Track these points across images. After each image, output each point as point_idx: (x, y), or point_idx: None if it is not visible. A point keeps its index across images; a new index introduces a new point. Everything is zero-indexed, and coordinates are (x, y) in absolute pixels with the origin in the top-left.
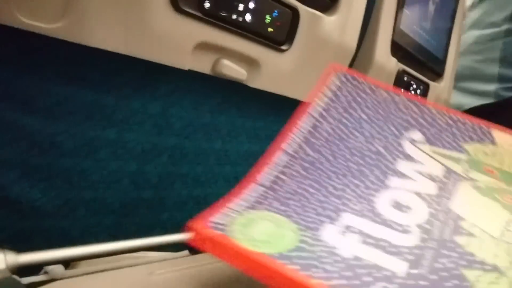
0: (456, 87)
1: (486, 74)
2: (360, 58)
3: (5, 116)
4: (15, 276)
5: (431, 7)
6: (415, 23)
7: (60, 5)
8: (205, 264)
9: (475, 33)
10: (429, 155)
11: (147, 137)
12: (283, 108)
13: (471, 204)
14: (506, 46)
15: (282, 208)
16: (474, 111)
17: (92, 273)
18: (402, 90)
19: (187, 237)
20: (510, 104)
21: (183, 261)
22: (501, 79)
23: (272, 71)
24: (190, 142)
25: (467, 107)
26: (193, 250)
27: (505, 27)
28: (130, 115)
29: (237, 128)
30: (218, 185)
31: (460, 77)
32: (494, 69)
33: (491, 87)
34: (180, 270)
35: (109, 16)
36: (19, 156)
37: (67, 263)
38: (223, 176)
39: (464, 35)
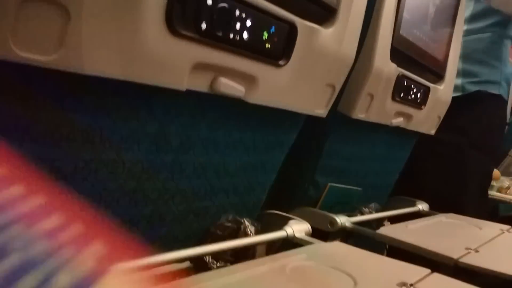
0: None
1: None
2: (359, 64)
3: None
4: None
5: (431, 10)
6: (415, 27)
7: (56, 36)
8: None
9: None
10: None
11: (145, 155)
12: (280, 119)
13: None
14: (466, 44)
15: None
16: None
17: None
18: (402, 94)
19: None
20: (477, 98)
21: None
22: (465, 74)
23: (270, 86)
24: (188, 157)
25: None
26: (195, 261)
27: (464, 27)
28: (128, 135)
29: (235, 141)
30: (217, 197)
31: None
32: (459, 65)
33: (458, 81)
34: None
35: (105, 43)
36: None
37: None
38: (222, 188)
39: None
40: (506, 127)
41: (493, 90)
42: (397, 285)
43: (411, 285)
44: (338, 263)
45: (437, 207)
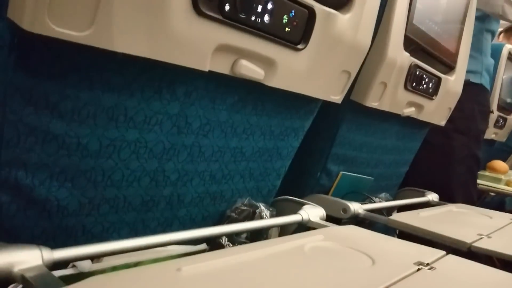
0: None
1: None
2: (372, 53)
3: (33, 121)
4: (51, 273)
5: (444, 1)
6: (428, 17)
7: (90, 13)
8: (229, 258)
9: None
10: None
11: (167, 136)
12: (296, 105)
13: None
14: None
15: None
16: None
17: (117, 267)
18: (414, 84)
19: (207, 233)
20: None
21: (207, 256)
22: None
23: (289, 70)
24: (207, 140)
25: None
26: (212, 243)
27: None
28: (151, 116)
29: (252, 126)
30: (234, 181)
31: None
32: None
33: None
34: (206, 265)
35: (134, 22)
36: (47, 158)
37: (93, 257)
38: (238, 173)
39: None
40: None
41: (474, 79)
42: (414, 264)
43: (428, 264)
44: (355, 244)
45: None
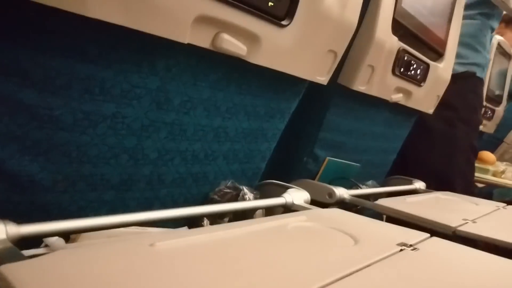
0: None
1: None
2: (360, 35)
3: (2, 88)
4: (15, 247)
5: None
6: (417, 2)
7: None
8: (207, 235)
9: None
10: None
11: (146, 112)
12: (281, 86)
13: None
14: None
15: None
16: None
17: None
18: (402, 69)
19: (187, 213)
20: (463, 77)
21: (183, 233)
22: (456, 55)
23: (273, 46)
24: (189, 118)
25: None
26: (193, 226)
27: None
28: (128, 90)
29: (236, 105)
30: (217, 162)
31: None
32: None
33: None
34: (181, 241)
35: None
36: (17, 130)
37: (67, 237)
38: (222, 154)
39: None
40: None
41: (477, 72)
42: (398, 244)
43: (411, 245)
44: (338, 225)
45: (428, 180)
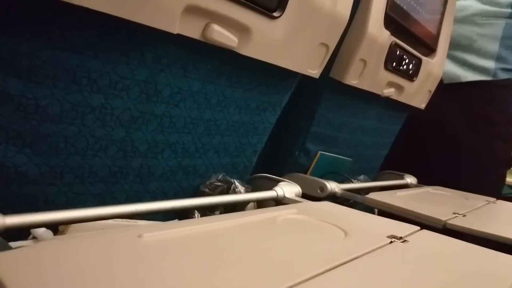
0: (450, 56)
1: (486, 50)
2: (352, 29)
3: None
4: (1, 238)
5: None
6: None
7: None
8: (196, 227)
9: (478, 6)
10: None
11: (135, 104)
12: (273, 79)
13: None
14: (507, 27)
15: None
16: (472, 85)
17: (78, 235)
18: (395, 64)
19: (178, 205)
20: (505, 86)
21: (171, 224)
22: (500, 58)
23: (264, 38)
24: (179, 111)
25: (463, 79)
26: (184, 219)
27: (508, 10)
28: (117, 80)
29: (227, 98)
30: (208, 155)
31: (456, 46)
32: (495, 46)
33: (491, 64)
34: (170, 232)
35: None
36: (2, 120)
37: (56, 230)
38: (213, 147)
39: (464, 3)
40: None
41: None
42: (387, 237)
43: (401, 238)
44: (328, 218)
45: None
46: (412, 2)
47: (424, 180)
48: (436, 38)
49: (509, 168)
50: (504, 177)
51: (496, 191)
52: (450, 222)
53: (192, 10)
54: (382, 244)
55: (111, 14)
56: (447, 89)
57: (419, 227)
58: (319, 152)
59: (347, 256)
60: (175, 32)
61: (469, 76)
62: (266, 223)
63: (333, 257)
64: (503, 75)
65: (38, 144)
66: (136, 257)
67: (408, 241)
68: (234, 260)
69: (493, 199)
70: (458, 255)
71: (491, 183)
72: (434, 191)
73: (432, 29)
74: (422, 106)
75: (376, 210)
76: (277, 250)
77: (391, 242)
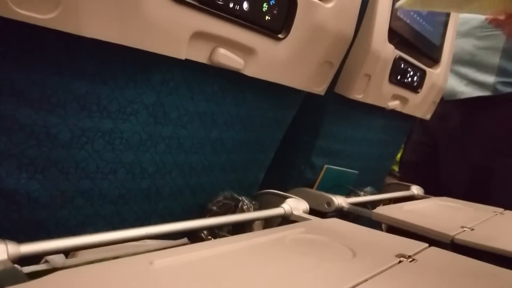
0: (452, 71)
1: (486, 64)
2: (357, 45)
3: None
4: (17, 266)
5: None
6: (413, 9)
7: None
8: (205, 251)
9: (481, 17)
10: None
11: (143, 127)
12: (277, 97)
13: None
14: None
15: None
16: (470, 102)
17: (93, 262)
18: (399, 77)
19: (187, 226)
20: (507, 100)
21: (182, 249)
22: (500, 71)
23: (269, 59)
24: (186, 132)
25: (461, 96)
26: (193, 238)
27: None
28: (125, 105)
29: (233, 117)
30: (215, 173)
31: (458, 61)
32: (495, 59)
33: (490, 79)
34: (180, 258)
35: (103, 5)
36: (15, 148)
37: (67, 252)
38: (219, 165)
39: (467, 16)
40: None
41: None
42: (396, 256)
43: (410, 256)
44: (336, 237)
45: None
46: (415, 15)
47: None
48: (439, 49)
49: None
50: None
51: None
52: (458, 237)
53: (199, 36)
54: (391, 264)
55: (122, 44)
56: (450, 102)
57: (427, 244)
58: (325, 165)
59: (356, 279)
60: (183, 58)
61: (467, 92)
62: (274, 244)
63: (343, 280)
64: (504, 89)
65: (49, 170)
66: (148, 285)
67: (416, 260)
68: (243, 284)
69: (500, 210)
70: (467, 274)
71: (497, 200)
72: (441, 202)
73: (435, 40)
74: (428, 117)
75: (383, 224)
76: (286, 274)
77: (399, 262)
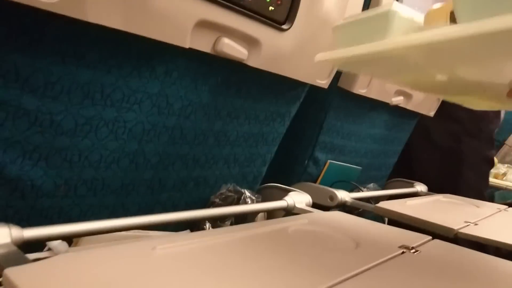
0: None
1: None
2: None
3: (3, 94)
4: (20, 251)
5: None
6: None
7: None
8: (208, 239)
9: None
10: None
11: (146, 116)
12: (281, 90)
13: None
14: None
15: None
16: None
17: (94, 248)
18: None
19: (189, 216)
20: None
21: (185, 236)
22: None
23: (273, 50)
24: (190, 123)
25: None
26: (195, 230)
27: None
28: (129, 94)
29: (236, 109)
30: (218, 166)
31: None
32: None
33: None
34: (183, 245)
35: None
36: (19, 135)
37: (70, 241)
38: (223, 157)
39: None
40: (502, 114)
41: None
42: (399, 247)
43: (412, 248)
44: (339, 228)
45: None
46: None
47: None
48: None
49: (491, 166)
50: (486, 176)
51: (479, 192)
52: (462, 231)
53: (203, 25)
54: (394, 254)
55: (125, 30)
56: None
57: (430, 237)
58: (328, 161)
59: (359, 267)
60: (187, 46)
61: None
62: (277, 234)
63: (345, 269)
64: None
65: (53, 158)
66: (150, 270)
67: (420, 251)
68: (246, 273)
69: (504, 207)
70: (471, 266)
71: (469, 182)
72: (444, 199)
73: None
74: (431, 113)
75: (386, 219)
76: (289, 262)
77: (402, 252)
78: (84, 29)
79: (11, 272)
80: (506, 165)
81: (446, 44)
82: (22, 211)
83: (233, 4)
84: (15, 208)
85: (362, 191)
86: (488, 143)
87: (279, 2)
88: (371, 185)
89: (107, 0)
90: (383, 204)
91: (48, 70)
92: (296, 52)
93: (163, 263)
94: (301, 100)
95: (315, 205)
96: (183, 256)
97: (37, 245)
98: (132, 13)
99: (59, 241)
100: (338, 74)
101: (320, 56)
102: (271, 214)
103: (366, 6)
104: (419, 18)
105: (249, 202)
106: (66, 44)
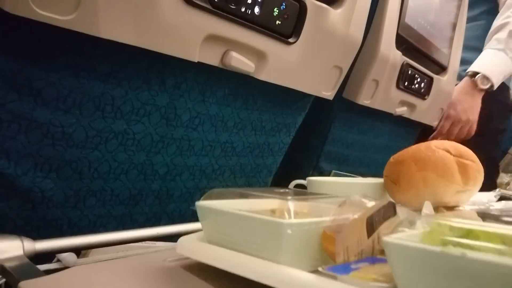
0: None
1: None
2: (365, 50)
3: (17, 107)
4: (32, 263)
5: (436, 0)
6: (420, 16)
7: None
8: None
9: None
10: None
11: (155, 128)
12: (287, 101)
13: None
14: (467, 31)
15: None
16: None
17: (106, 260)
18: (406, 83)
19: (194, 227)
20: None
21: None
22: (462, 62)
23: (279, 63)
24: (197, 134)
25: None
26: None
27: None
28: (139, 107)
29: (243, 120)
30: (224, 176)
31: None
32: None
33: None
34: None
35: (120, 8)
36: (31, 147)
37: (78, 252)
38: (229, 168)
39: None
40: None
41: None
42: None
43: None
44: None
45: None
46: (423, 22)
47: None
48: (447, 55)
49: (496, 169)
50: (492, 178)
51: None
52: None
53: (211, 39)
54: None
55: (137, 45)
56: None
57: None
58: (333, 171)
59: None
60: (196, 60)
61: None
62: None
63: None
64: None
65: (63, 170)
66: (163, 282)
67: None
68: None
69: None
70: None
71: None
72: None
73: (442, 47)
74: (435, 123)
75: None
76: None
77: None
78: (96, 43)
79: (26, 286)
80: (509, 174)
81: None
82: (33, 222)
83: (241, 18)
84: (26, 218)
85: None
86: (493, 144)
87: (286, 16)
88: None
89: (120, 16)
90: None
91: (60, 83)
92: (302, 65)
93: (175, 275)
94: (306, 111)
95: None
96: (192, 267)
97: (46, 255)
98: (144, 29)
99: (68, 253)
100: (343, 85)
101: None
102: None
103: (370, 19)
104: None
105: None
106: (79, 58)
